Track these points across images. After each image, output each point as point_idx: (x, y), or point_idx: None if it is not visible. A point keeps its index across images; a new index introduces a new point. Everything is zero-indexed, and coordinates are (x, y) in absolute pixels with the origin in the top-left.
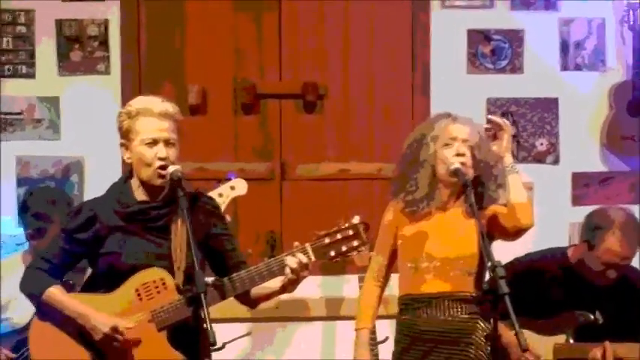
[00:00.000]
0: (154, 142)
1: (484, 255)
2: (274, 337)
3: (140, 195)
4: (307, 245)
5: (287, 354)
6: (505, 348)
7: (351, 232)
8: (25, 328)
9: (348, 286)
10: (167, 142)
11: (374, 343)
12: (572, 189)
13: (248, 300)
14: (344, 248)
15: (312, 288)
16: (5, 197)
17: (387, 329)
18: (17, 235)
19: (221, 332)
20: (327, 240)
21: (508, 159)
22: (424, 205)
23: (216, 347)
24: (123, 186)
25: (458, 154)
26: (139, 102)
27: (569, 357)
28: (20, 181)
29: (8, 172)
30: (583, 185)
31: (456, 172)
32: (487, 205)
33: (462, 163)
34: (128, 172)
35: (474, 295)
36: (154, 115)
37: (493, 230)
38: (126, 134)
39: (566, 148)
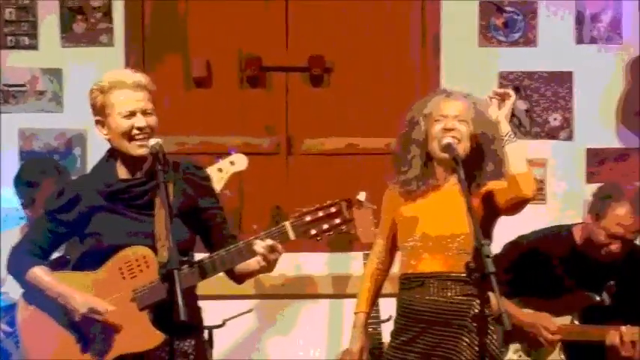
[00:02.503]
0: (132, 114)
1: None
2: (280, 314)
3: (123, 173)
4: (287, 223)
5: (293, 332)
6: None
7: (333, 210)
8: None
9: (355, 263)
10: (144, 112)
11: (377, 321)
12: (586, 165)
13: (234, 276)
14: (325, 226)
15: (318, 265)
16: (8, 170)
17: (392, 308)
18: (20, 210)
19: (224, 309)
20: (308, 218)
21: (505, 127)
22: (418, 185)
23: (216, 325)
24: (105, 164)
25: (446, 129)
26: (109, 76)
27: (574, 338)
28: (23, 154)
29: (11, 145)
30: (598, 162)
31: (446, 148)
32: (486, 181)
33: (453, 138)
34: (110, 150)
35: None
36: (128, 87)
37: (495, 207)
38: (101, 110)
39: (580, 123)
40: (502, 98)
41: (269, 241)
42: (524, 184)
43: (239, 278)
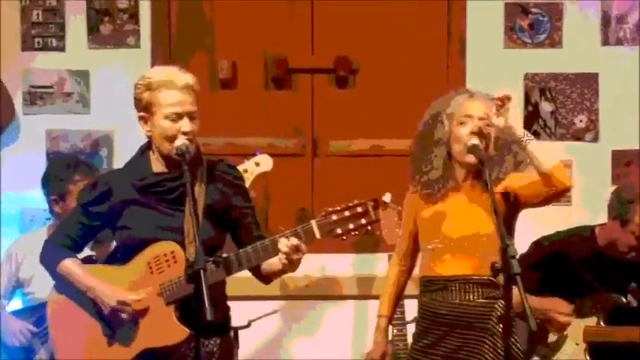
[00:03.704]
0: (179, 117)
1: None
2: (305, 316)
3: (157, 167)
4: (313, 222)
5: (318, 333)
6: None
7: (359, 210)
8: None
9: (380, 264)
10: (190, 116)
11: (402, 323)
12: (612, 167)
13: (260, 276)
14: (351, 226)
15: (343, 266)
16: (35, 171)
17: None
18: (47, 210)
19: (250, 310)
20: (334, 217)
21: (519, 130)
22: (439, 186)
23: (242, 325)
24: (140, 158)
25: (472, 132)
26: (159, 73)
27: (599, 340)
28: (50, 155)
29: (38, 146)
30: (624, 164)
31: (473, 149)
32: (505, 176)
33: (480, 140)
34: (146, 143)
35: (491, 278)
36: (177, 88)
37: (521, 202)
38: (147, 107)
39: (606, 125)
40: (502, 103)
41: (294, 240)
42: (562, 176)
43: (266, 278)
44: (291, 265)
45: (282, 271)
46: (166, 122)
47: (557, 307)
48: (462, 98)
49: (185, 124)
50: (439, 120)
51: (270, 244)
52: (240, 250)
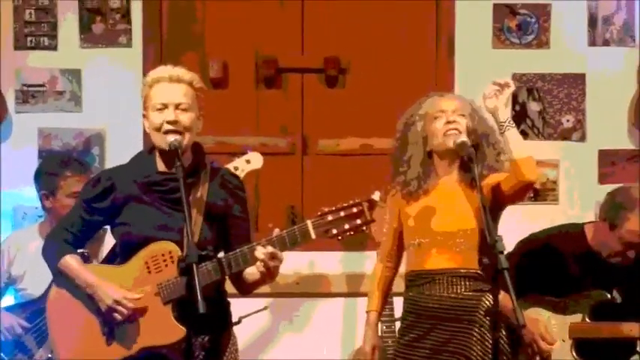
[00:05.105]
0: (164, 107)
1: (485, 229)
2: (294, 312)
3: (162, 166)
4: (308, 222)
5: (307, 330)
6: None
7: (355, 210)
8: (39, 299)
9: (369, 262)
10: (177, 106)
11: (391, 320)
12: (598, 167)
13: (240, 286)
14: (347, 226)
15: (333, 264)
16: (27, 169)
17: None
18: (39, 207)
19: (239, 307)
20: (329, 217)
21: (503, 114)
22: (419, 184)
23: (233, 322)
24: (148, 156)
25: (448, 122)
26: (155, 71)
27: (585, 336)
28: (42, 153)
29: (30, 144)
30: (610, 163)
31: (461, 146)
32: (488, 174)
33: (456, 130)
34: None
35: (479, 272)
36: (165, 80)
37: (500, 197)
38: (144, 104)
39: (592, 125)
40: (501, 88)
41: (269, 248)
42: (526, 169)
43: (245, 288)
44: (269, 273)
45: (262, 281)
46: (154, 114)
47: (540, 329)
48: (433, 99)
49: (169, 113)
50: (412, 122)
51: (248, 251)
52: (222, 256)
